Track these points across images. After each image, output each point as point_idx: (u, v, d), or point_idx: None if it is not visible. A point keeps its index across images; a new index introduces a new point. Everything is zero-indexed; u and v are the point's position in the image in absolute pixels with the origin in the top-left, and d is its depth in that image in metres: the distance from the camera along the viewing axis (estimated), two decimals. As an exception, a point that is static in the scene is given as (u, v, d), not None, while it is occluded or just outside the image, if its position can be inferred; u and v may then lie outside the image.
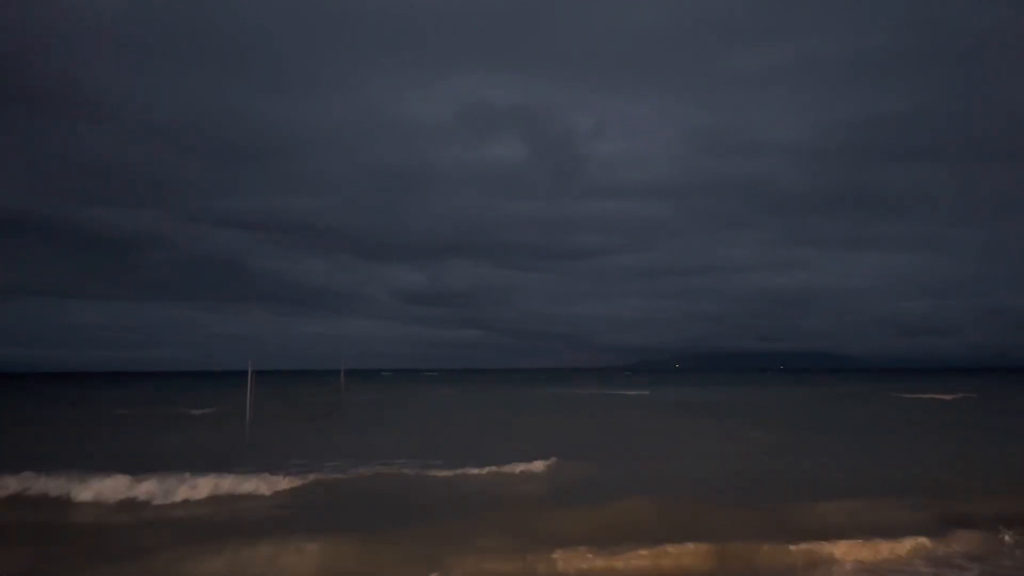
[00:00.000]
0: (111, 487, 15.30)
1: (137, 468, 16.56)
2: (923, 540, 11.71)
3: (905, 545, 11.59)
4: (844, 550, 11.33)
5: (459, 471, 18.55)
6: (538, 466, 19.16)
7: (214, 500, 15.29)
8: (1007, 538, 11.92)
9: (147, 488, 15.31)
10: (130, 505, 14.86)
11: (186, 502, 15.09)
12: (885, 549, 11.44)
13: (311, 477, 17.20)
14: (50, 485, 15.45)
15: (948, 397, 57.22)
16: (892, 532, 11.95)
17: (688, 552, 11.06)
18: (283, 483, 16.36)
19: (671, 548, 11.13)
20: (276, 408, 45.50)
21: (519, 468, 19.00)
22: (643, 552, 11.03)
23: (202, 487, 15.58)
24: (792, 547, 11.34)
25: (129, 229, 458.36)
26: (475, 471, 18.50)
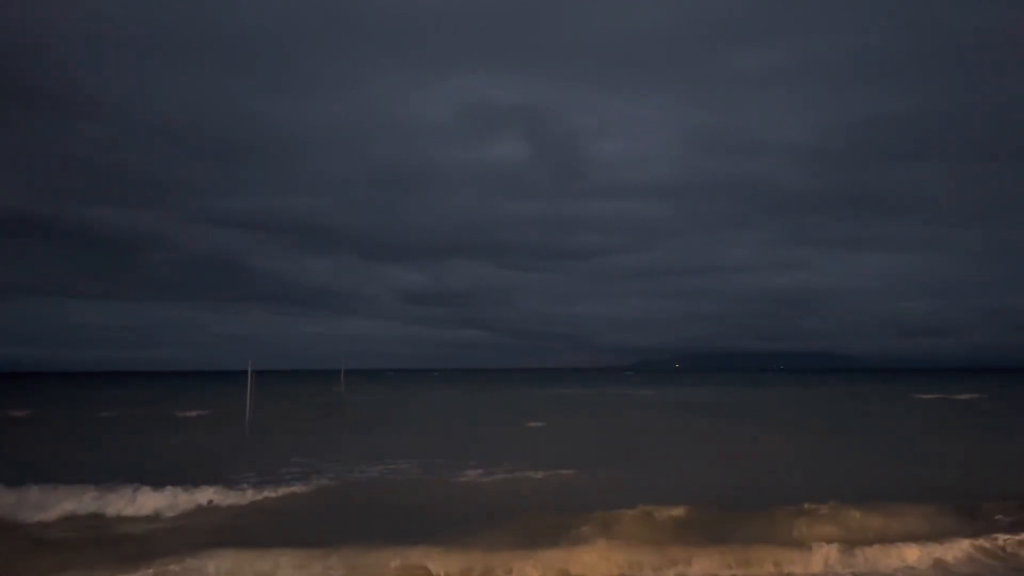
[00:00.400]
0: (71, 500, 13.97)
1: (110, 477, 15.62)
2: (971, 544, 11.23)
3: (954, 550, 11.14)
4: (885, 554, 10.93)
5: (466, 477, 17.81)
6: (553, 471, 18.33)
7: (186, 514, 13.99)
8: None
9: (112, 500, 14.09)
10: (91, 521, 13.42)
11: (154, 515, 13.79)
12: (933, 553, 11.00)
13: (301, 485, 16.31)
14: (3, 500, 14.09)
15: (965, 397, 56.62)
16: (942, 537, 11.57)
17: (715, 556, 10.65)
18: (270, 492, 15.35)
19: (701, 552, 10.61)
20: (275, 409, 44.76)
21: (533, 473, 18.18)
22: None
23: (171, 499, 14.33)
24: (841, 551, 10.86)
25: (129, 229, 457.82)
26: (486, 477, 17.71)
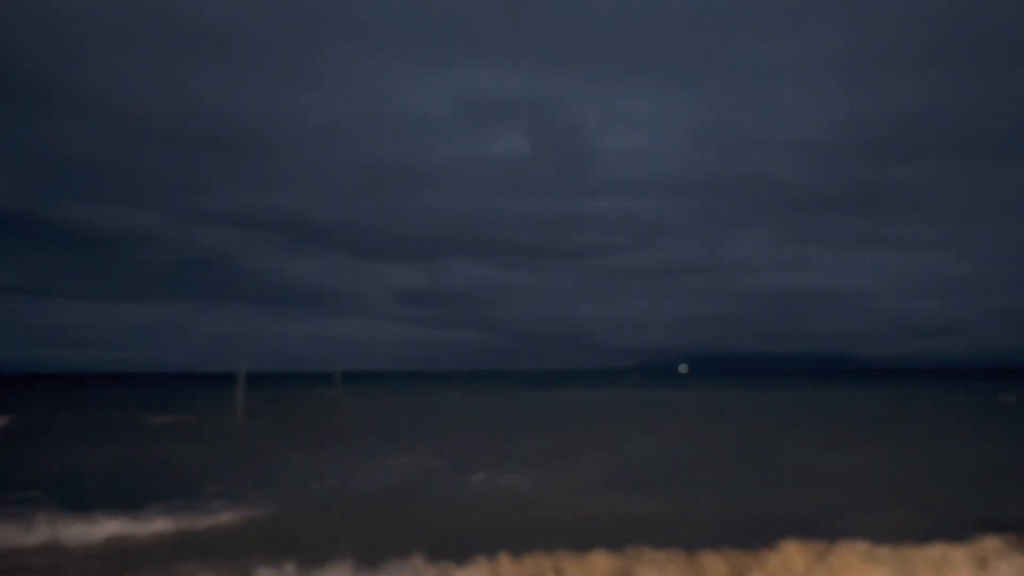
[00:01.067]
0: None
1: (72, 497, 14.00)
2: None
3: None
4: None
5: (473, 491, 15.84)
6: (567, 487, 16.25)
7: (110, 542, 11.40)
8: None
9: (65, 525, 11.63)
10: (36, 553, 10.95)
11: (111, 542, 11.28)
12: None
13: (295, 499, 14.78)
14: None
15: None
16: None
17: None
18: (262, 508, 13.62)
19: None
20: (268, 413, 42.71)
21: (537, 485, 16.26)
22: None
23: (137, 522, 12.05)
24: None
25: (117, 226, 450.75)
26: (490, 486, 16.06)
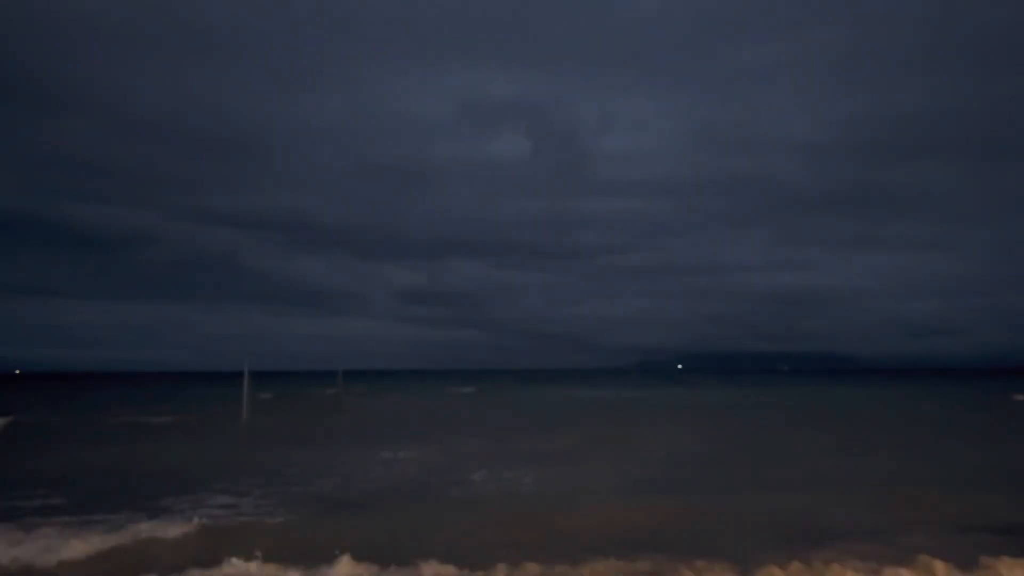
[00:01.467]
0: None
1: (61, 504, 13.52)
2: None
3: None
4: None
5: (476, 489, 15.54)
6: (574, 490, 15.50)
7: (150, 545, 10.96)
8: None
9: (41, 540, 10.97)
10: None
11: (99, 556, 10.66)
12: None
13: (299, 500, 14.35)
14: None
15: None
16: None
17: None
18: (270, 510, 13.27)
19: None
20: (270, 412, 42.43)
21: (537, 481, 15.76)
22: None
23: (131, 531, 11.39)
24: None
25: (119, 227, 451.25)
26: (491, 485, 15.72)
